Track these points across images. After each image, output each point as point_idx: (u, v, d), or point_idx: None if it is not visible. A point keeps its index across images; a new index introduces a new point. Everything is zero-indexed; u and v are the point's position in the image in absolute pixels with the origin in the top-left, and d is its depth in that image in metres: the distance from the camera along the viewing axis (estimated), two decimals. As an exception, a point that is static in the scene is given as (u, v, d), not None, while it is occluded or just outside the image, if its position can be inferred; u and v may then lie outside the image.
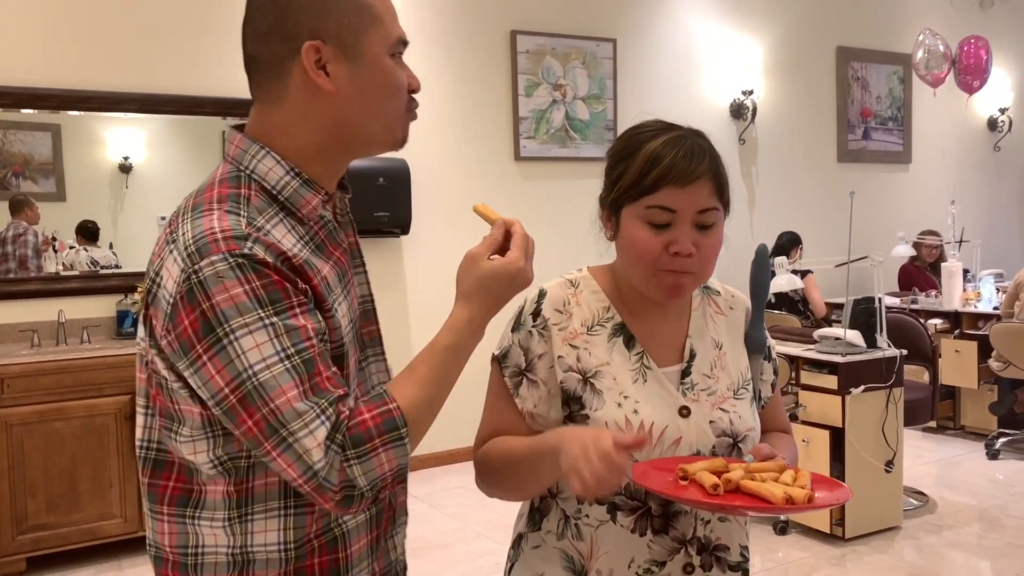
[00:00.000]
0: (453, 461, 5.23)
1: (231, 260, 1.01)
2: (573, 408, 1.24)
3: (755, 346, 1.33)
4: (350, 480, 1.03)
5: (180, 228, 1.06)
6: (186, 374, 1.04)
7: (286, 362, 1.01)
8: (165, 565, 1.14)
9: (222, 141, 4.77)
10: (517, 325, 1.30)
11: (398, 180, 4.87)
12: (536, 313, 1.28)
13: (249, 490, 1.09)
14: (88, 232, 4.41)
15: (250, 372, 1.00)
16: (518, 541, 1.35)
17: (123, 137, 4.49)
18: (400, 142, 1.20)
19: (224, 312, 1.00)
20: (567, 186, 5.64)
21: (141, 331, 1.11)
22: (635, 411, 1.22)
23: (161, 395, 1.09)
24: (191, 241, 1.03)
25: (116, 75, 4.38)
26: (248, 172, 1.12)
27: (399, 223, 4.90)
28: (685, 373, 1.27)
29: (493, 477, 1.28)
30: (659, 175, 1.18)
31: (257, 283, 1.01)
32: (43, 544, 3.75)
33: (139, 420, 1.14)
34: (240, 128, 1.16)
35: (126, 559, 3.92)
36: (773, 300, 5.90)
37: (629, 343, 1.27)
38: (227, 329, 1.00)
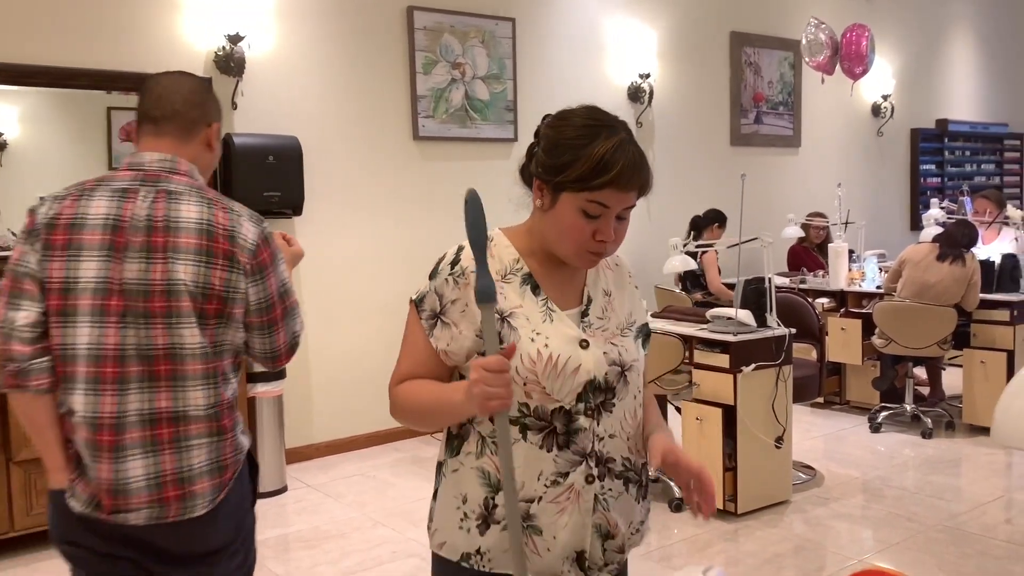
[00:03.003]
0: (352, 448, 5.13)
1: (266, 224, 1.85)
2: (467, 336, 1.44)
3: (484, 295, 1.32)
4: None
5: (230, 204, 1.81)
6: (251, 285, 1.78)
7: None
8: (227, 411, 1.81)
9: (107, 116, 4.52)
10: (434, 273, 1.48)
11: (289, 158, 4.70)
12: (454, 263, 1.46)
13: (235, 362, 1.85)
14: None
15: (286, 280, 1.86)
16: (440, 467, 1.54)
17: (-7, 111, 4.19)
18: None
19: (276, 250, 1.84)
20: (467, 167, 5.57)
21: (193, 273, 1.73)
22: (545, 345, 1.42)
23: (225, 307, 1.76)
24: (249, 213, 1.82)
25: (-22, 43, 4.07)
26: (201, 185, 1.85)
27: (291, 203, 4.74)
28: (584, 314, 1.50)
29: (407, 417, 1.52)
30: (608, 181, 1.36)
31: None
32: (-100, 549, 3.48)
33: (192, 331, 1.74)
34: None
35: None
36: (680, 275, 5.99)
37: (536, 290, 1.48)
38: (278, 259, 1.84)
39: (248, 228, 1.79)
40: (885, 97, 8.37)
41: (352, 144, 5.18)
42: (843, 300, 5.90)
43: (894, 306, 5.16)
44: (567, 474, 1.43)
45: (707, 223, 6.08)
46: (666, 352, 3.99)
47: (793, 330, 4.13)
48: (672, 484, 4.18)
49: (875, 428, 5.34)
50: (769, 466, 4.07)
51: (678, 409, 4.24)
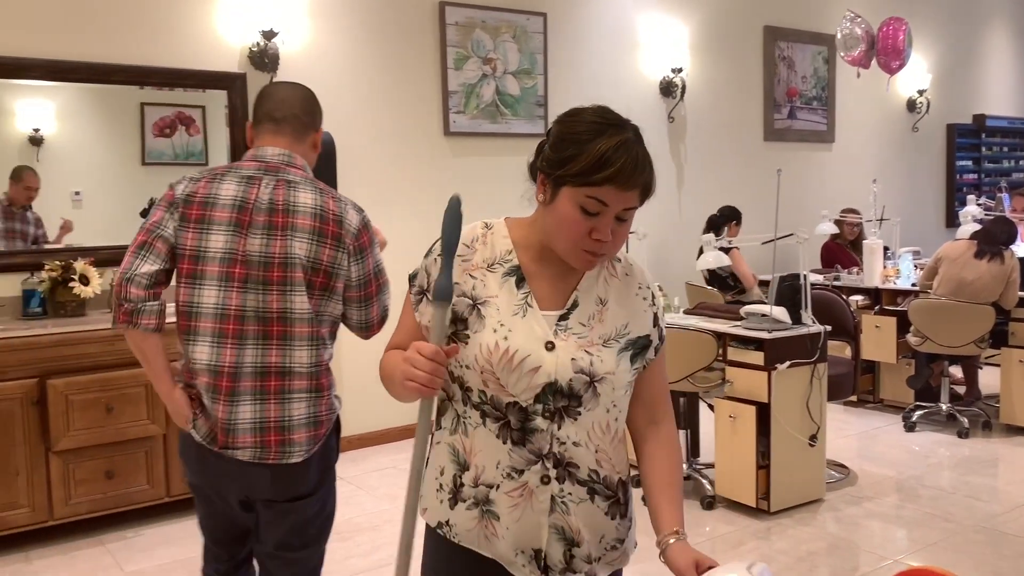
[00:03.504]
0: (384, 441, 5.16)
1: (365, 212, 2.16)
2: (459, 327, 1.46)
3: (439, 293, 1.38)
4: None
5: (337, 194, 2.12)
6: (353, 263, 2.10)
7: None
8: (324, 372, 2.11)
9: (140, 112, 4.58)
10: (428, 253, 1.53)
11: (322, 154, 4.67)
12: None
13: (332, 331, 2.15)
14: None
15: (380, 260, 2.18)
16: (432, 438, 1.57)
17: (32, 107, 4.24)
18: None
19: (373, 234, 2.16)
20: (497, 162, 5.57)
21: (306, 249, 2.04)
22: (505, 338, 1.43)
23: (329, 281, 2.07)
24: (352, 203, 2.12)
25: (20, 40, 4.13)
26: (312, 178, 2.16)
27: (324, 199, 4.75)
28: (563, 317, 1.47)
29: (385, 384, 1.55)
30: (607, 177, 1.35)
31: None
32: (-56, 536, 3.56)
33: (302, 299, 2.05)
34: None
35: (35, 550, 3.74)
36: (707, 276, 5.95)
37: (520, 283, 1.48)
38: (375, 242, 2.16)
39: (352, 215, 2.12)
40: (921, 92, 8.24)
41: (384, 140, 5.20)
42: (877, 297, 5.83)
43: (930, 304, 5.09)
44: (522, 471, 1.44)
45: (724, 221, 6.03)
46: (699, 349, 3.96)
47: (828, 327, 4.09)
48: (704, 481, 4.16)
49: (909, 427, 5.28)
50: (802, 464, 4.03)
51: (711, 406, 4.21)
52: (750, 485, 3.94)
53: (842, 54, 6.59)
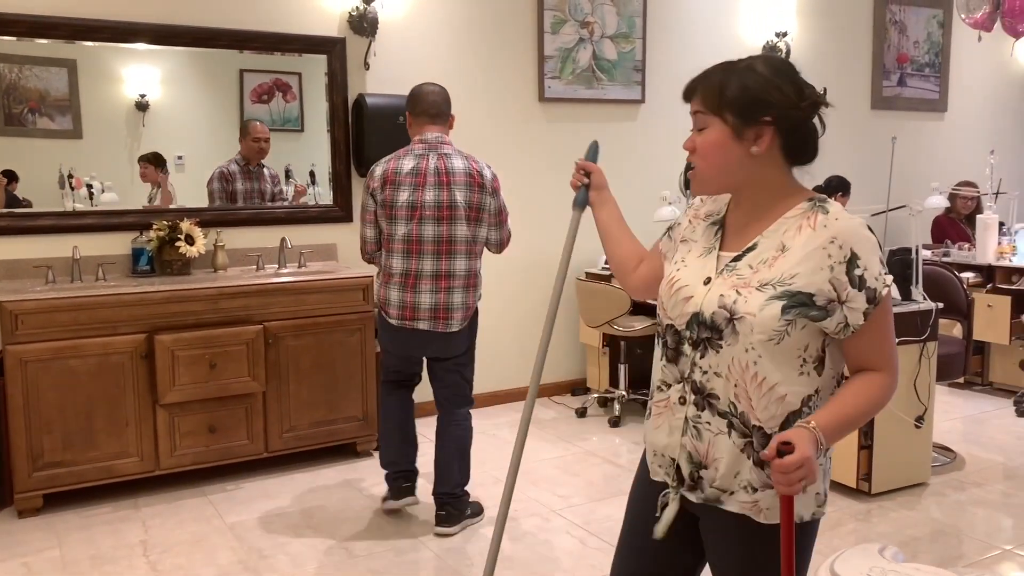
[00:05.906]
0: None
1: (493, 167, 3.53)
2: (670, 258, 1.74)
3: (576, 202, 1.95)
4: None
5: (476, 158, 3.46)
6: (491, 200, 3.43)
7: None
8: (475, 275, 3.45)
9: (239, 79, 4.66)
10: (675, 226, 1.81)
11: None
12: (690, 206, 1.79)
13: (479, 250, 3.49)
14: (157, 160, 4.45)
15: (503, 199, 3.52)
16: None
17: (139, 74, 4.37)
18: None
19: (498, 181, 3.50)
20: (593, 129, 5.47)
21: (464, 195, 3.35)
22: (678, 270, 1.66)
23: (479, 213, 3.40)
24: (486, 163, 3.48)
25: (129, 5, 4.24)
26: (458, 150, 3.47)
27: (419, 164, 4.76)
28: (736, 259, 1.58)
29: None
30: (683, 92, 1.63)
31: None
32: (59, 481, 3.74)
33: (463, 227, 3.36)
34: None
35: (142, 497, 3.91)
36: None
37: (719, 231, 1.66)
38: (499, 187, 3.51)
39: (487, 170, 3.44)
40: (1045, 58, 7.73)
41: (479, 106, 5.16)
42: (990, 275, 5.54)
43: (1050, 283, 4.80)
44: (669, 386, 1.63)
45: (831, 192, 5.77)
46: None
47: (940, 305, 3.89)
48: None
49: (1021, 412, 4.99)
50: (907, 446, 3.87)
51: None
52: (851, 465, 3.81)
53: (963, 16, 6.20)
